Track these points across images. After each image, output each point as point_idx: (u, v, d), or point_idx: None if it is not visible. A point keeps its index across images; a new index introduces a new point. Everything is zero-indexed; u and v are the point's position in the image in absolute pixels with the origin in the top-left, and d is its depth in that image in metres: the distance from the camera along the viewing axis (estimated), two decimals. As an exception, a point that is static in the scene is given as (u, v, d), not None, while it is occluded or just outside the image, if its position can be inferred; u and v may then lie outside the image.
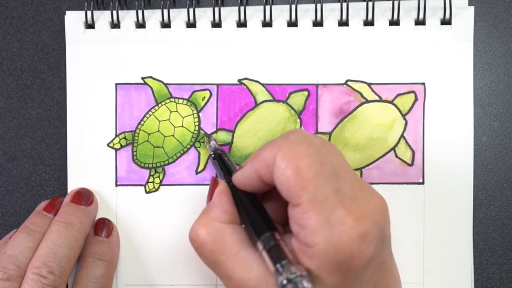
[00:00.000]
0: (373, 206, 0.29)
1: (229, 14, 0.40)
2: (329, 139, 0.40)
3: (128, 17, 0.40)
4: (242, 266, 0.30)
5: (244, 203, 0.32)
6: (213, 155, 0.37)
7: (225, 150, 0.38)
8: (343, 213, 0.27)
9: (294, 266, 0.27)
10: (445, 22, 0.40)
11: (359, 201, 0.28)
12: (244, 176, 0.32)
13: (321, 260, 0.27)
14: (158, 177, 0.40)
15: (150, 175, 0.40)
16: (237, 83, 0.40)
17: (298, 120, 0.40)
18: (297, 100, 0.40)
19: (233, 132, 0.40)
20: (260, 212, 0.31)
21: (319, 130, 0.40)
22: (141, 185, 0.40)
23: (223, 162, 0.36)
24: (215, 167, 0.37)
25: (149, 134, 0.40)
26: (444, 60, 0.40)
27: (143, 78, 0.40)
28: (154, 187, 0.40)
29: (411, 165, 0.40)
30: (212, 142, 0.38)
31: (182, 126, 0.40)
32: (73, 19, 0.40)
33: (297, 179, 0.28)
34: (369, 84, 0.40)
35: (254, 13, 0.40)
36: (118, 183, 0.40)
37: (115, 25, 0.40)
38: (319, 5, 0.39)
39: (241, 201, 0.32)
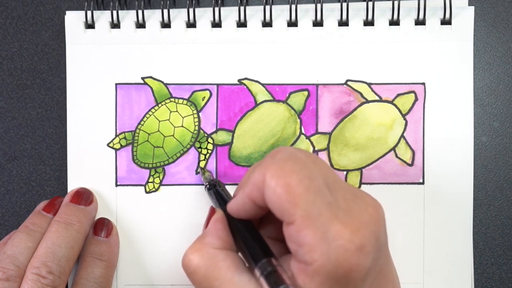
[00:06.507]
0: (368, 216, 0.28)
1: (229, 14, 0.40)
2: (329, 139, 0.40)
3: (128, 17, 0.40)
4: None
5: (241, 230, 0.32)
6: (208, 186, 0.37)
7: (219, 181, 0.38)
8: (338, 227, 0.27)
9: None
10: (445, 22, 0.40)
11: (353, 213, 0.28)
12: (238, 204, 0.32)
13: (321, 277, 0.27)
14: (158, 177, 0.40)
15: (150, 175, 0.40)
16: (237, 83, 0.40)
17: (298, 120, 0.40)
18: (297, 100, 0.40)
19: (233, 132, 0.40)
20: (257, 239, 0.31)
21: (319, 130, 0.40)
22: (141, 185, 0.40)
23: (218, 192, 0.36)
24: (210, 198, 0.37)
25: (149, 134, 0.40)
26: (444, 60, 0.40)
27: (143, 78, 0.40)
28: (154, 187, 0.40)
29: (411, 165, 0.40)
30: (207, 173, 0.39)
31: (182, 126, 0.40)
32: (73, 19, 0.40)
33: (288, 196, 0.28)
34: (369, 84, 0.40)
35: (254, 13, 0.40)
36: (118, 183, 0.40)
37: (115, 25, 0.40)
38: (319, 5, 0.39)
39: (238, 229, 0.32)
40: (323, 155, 0.40)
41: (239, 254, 0.32)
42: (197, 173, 0.40)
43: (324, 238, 0.27)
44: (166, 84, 0.40)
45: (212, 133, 0.40)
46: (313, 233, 0.27)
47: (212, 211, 0.33)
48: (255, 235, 0.32)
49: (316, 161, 0.30)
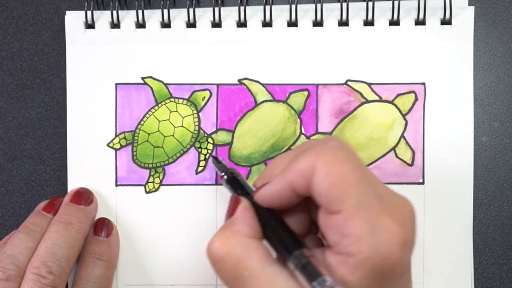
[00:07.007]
0: (408, 212, 0.28)
1: (229, 14, 0.40)
2: (329, 139, 0.40)
3: (128, 17, 0.40)
4: (269, 283, 0.28)
5: (269, 220, 0.31)
6: (226, 177, 0.34)
7: (236, 170, 0.35)
8: (387, 220, 0.27)
9: (331, 282, 0.27)
10: (445, 22, 0.39)
11: (397, 207, 0.28)
12: (273, 191, 0.30)
13: (364, 270, 0.27)
14: (158, 177, 0.40)
15: (150, 175, 0.40)
16: (237, 83, 0.40)
17: (298, 120, 0.40)
18: (297, 100, 0.40)
19: (233, 132, 0.40)
20: (286, 229, 0.31)
21: (319, 130, 0.40)
22: (141, 185, 0.40)
23: (238, 182, 0.34)
24: (228, 188, 0.34)
25: (149, 134, 0.40)
26: (444, 60, 0.40)
27: (143, 78, 0.40)
28: (154, 187, 0.40)
29: (411, 165, 0.40)
30: (223, 162, 0.37)
31: (182, 126, 0.40)
32: (73, 19, 0.40)
33: (341, 184, 0.27)
34: (369, 84, 0.40)
35: (254, 13, 0.40)
36: (118, 183, 0.40)
37: (115, 25, 0.40)
38: (319, 5, 0.39)
39: (265, 218, 0.31)
40: (323, 155, 0.40)
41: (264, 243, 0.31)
42: (197, 173, 0.40)
43: (373, 230, 0.26)
44: (166, 84, 0.40)
45: (212, 133, 0.40)
46: (362, 224, 0.27)
47: (236, 200, 0.32)
48: (283, 225, 0.31)
49: (358, 155, 0.29)
